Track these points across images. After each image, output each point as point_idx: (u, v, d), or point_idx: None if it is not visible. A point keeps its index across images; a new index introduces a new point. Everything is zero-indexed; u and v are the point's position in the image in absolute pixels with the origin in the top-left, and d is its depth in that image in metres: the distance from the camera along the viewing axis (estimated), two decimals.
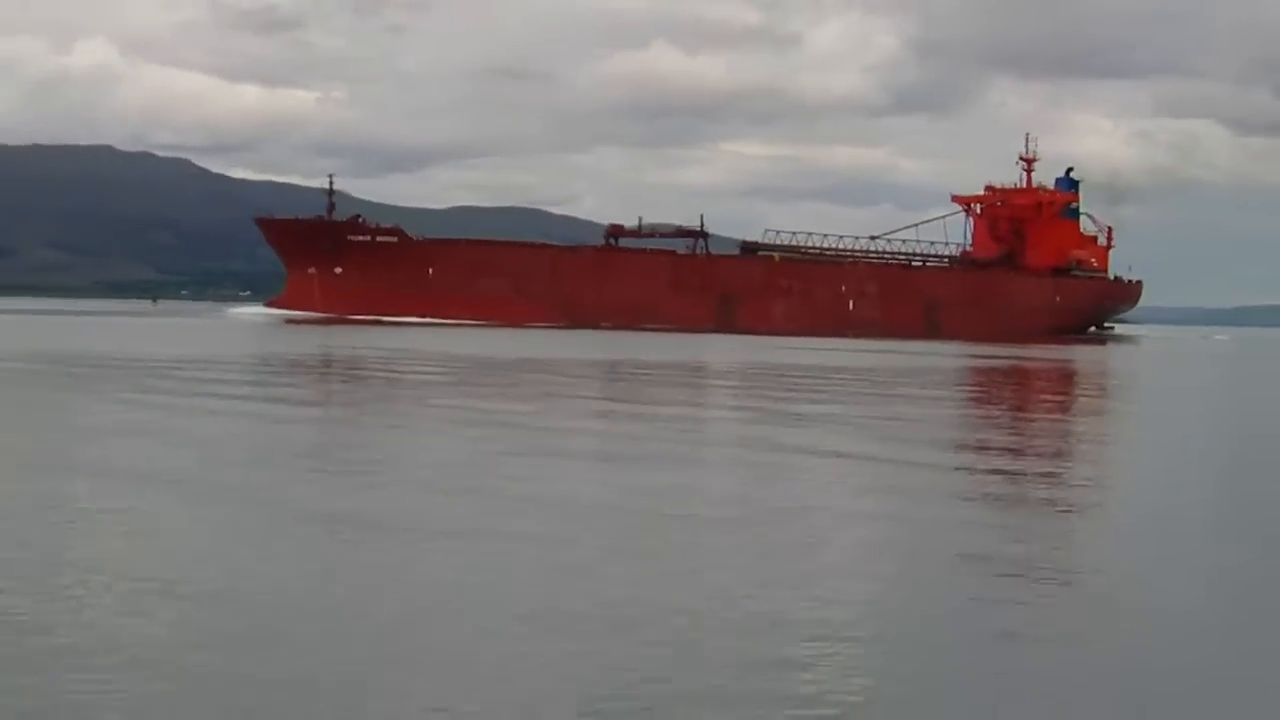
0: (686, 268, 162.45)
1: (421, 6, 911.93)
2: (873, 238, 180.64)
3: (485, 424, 32.93)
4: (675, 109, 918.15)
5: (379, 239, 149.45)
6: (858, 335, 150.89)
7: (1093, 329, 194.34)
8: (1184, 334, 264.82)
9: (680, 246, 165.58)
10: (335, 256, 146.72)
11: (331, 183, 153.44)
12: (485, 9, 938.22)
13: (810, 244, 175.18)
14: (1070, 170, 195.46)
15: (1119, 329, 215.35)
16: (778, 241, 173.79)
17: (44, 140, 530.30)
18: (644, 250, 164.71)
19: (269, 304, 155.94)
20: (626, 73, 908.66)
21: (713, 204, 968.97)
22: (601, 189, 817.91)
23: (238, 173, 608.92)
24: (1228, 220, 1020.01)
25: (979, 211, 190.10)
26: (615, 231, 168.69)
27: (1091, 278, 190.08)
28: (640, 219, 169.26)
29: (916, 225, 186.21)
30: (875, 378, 62.84)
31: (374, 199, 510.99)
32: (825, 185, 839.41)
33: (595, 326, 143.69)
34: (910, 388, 55.82)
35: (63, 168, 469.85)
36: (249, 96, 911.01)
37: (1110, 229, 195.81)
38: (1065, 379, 70.58)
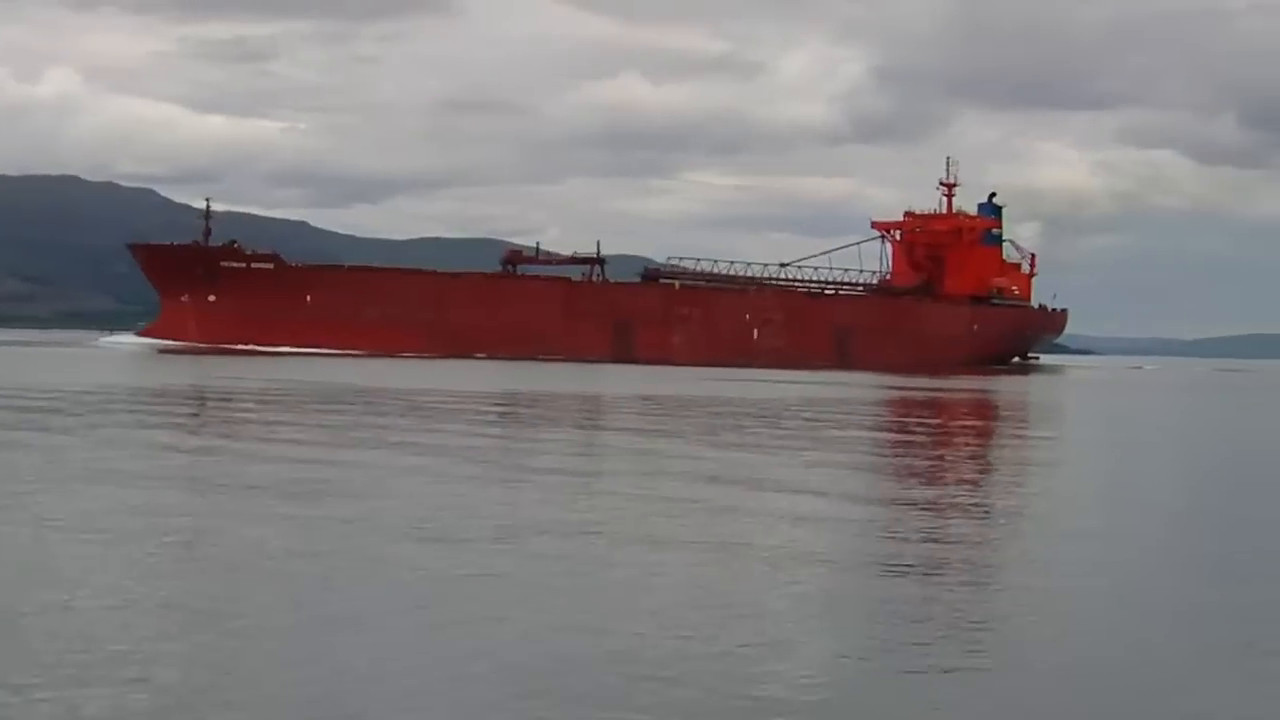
0: (580, 295, 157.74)
1: (391, 38, 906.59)
2: (782, 264, 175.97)
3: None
4: (643, 139, 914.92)
5: (254, 265, 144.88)
6: (762, 365, 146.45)
7: (1016, 359, 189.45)
8: (1112, 364, 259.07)
9: (577, 274, 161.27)
10: (210, 284, 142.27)
11: (209, 206, 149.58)
12: (454, 41, 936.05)
13: (716, 271, 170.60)
14: (993, 195, 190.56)
15: (1050, 359, 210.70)
16: (682, 268, 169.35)
17: (8, 170, 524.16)
18: (536, 277, 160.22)
19: (140, 333, 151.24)
20: (594, 103, 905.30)
21: (681, 234, 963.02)
22: (567, 220, 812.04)
23: (201, 203, 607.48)
24: (1190, 249, 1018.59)
25: (898, 238, 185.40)
26: (513, 258, 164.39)
27: (1013, 306, 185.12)
28: (538, 244, 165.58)
29: (829, 252, 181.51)
30: (772, 411, 57.54)
31: (338, 229, 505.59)
32: (794, 215, 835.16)
33: (481, 356, 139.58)
34: (812, 424, 50.44)
35: (27, 197, 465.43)
36: (215, 127, 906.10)
37: (1034, 256, 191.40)
38: (951, 411, 65.76)
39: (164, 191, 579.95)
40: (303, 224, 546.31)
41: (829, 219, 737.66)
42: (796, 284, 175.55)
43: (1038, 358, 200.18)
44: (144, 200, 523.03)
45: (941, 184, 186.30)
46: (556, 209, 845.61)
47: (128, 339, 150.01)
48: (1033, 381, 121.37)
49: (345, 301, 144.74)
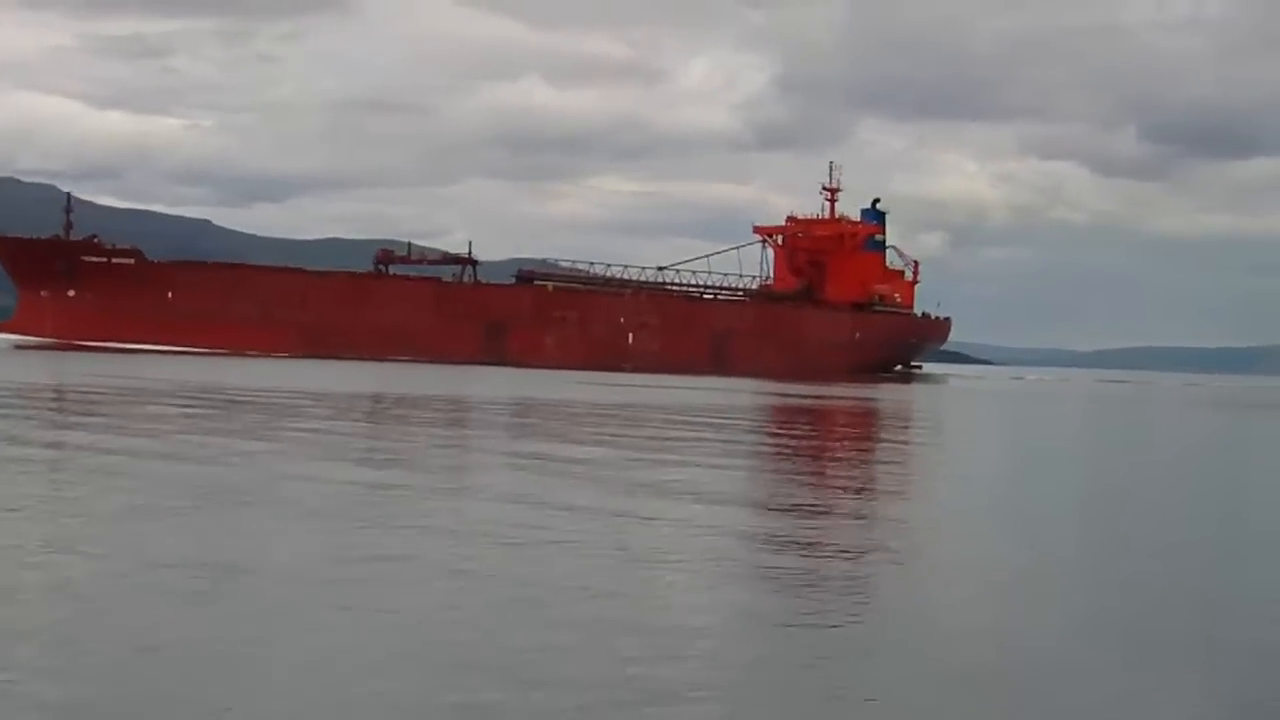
0: (451, 296, 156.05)
1: (291, 36, 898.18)
2: (660, 268, 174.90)
3: None
4: (545, 143, 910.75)
5: (115, 260, 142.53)
6: (636, 369, 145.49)
7: (899, 367, 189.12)
8: (996, 373, 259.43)
9: (448, 274, 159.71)
10: (69, 279, 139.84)
11: (69, 200, 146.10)
12: (356, 40, 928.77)
13: (593, 273, 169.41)
14: (876, 201, 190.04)
15: (941, 368, 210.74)
16: (559, 269, 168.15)
17: None
18: (405, 277, 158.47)
19: None
20: (497, 105, 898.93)
21: (583, 238, 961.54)
22: (471, 222, 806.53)
23: (103, 200, 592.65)
24: (1090, 262, 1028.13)
25: (780, 243, 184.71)
26: (384, 258, 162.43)
27: (895, 313, 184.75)
28: (409, 243, 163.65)
29: (709, 256, 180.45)
30: (637, 415, 56.29)
31: (242, 229, 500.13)
32: (695, 220, 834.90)
33: (349, 356, 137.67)
34: (683, 428, 49.20)
35: None
36: (116, 123, 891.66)
37: (917, 263, 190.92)
38: (824, 418, 64.48)
39: (65, 187, 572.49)
40: (206, 222, 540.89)
41: (730, 225, 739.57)
42: (674, 288, 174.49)
43: (920, 366, 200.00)
44: (44, 195, 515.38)
45: (824, 189, 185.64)
46: (461, 211, 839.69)
47: None
48: (912, 390, 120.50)
49: (208, 299, 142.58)
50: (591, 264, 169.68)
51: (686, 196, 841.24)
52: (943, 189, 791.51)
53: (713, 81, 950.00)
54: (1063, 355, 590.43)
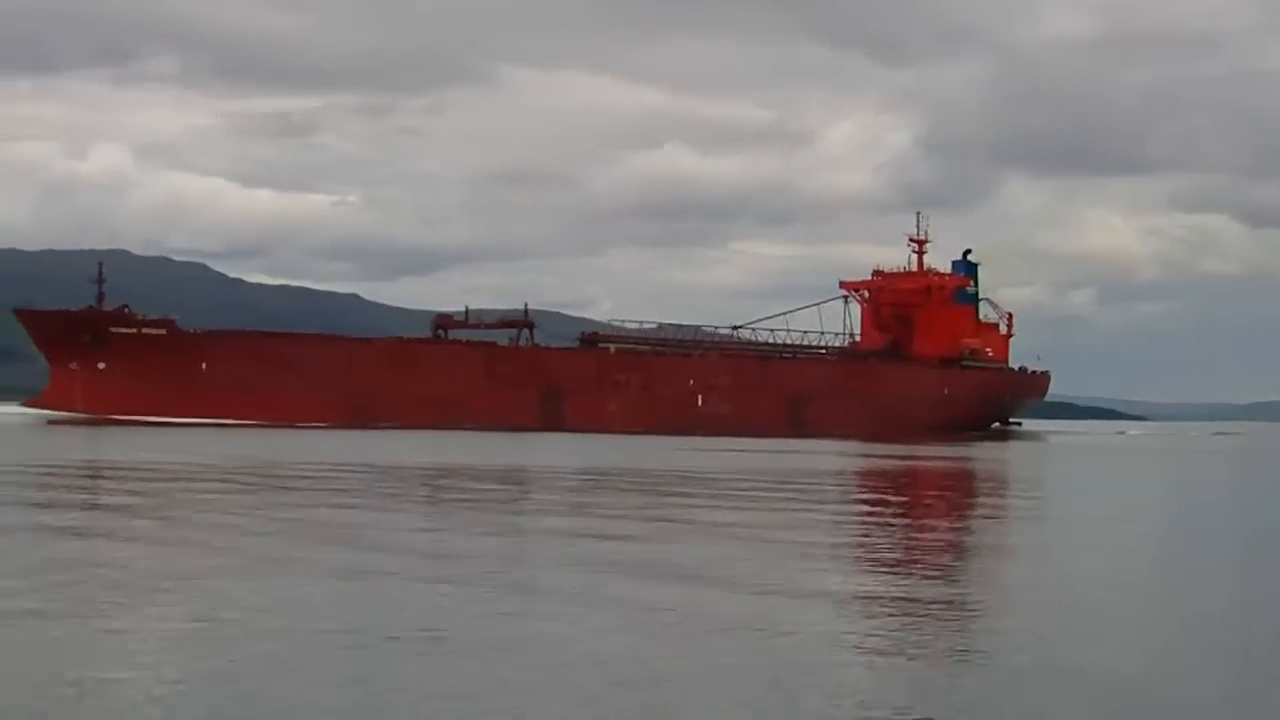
0: (505, 360, 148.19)
1: (433, 110, 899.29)
2: (735, 327, 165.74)
3: None
4: (690, 209, 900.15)
5: (145, 331, 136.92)
6: (706, 432, 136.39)
7: (995, 425, 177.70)
8: (1098, 429, 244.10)
9: (504, 338, 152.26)
10: (100, 351, 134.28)
11: (101, 270, 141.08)
12: (497, 113, 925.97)
13: (662, 335, 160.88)
14: (968, 252, 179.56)
15: (1056, 425, 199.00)
16: (624, 330, 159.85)
17: (58, 245, 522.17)
18: (454, 341, 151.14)
19: (27, 403, 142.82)
20: (641, 174, 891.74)
21: (732, 303, 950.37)
22: (618, 291, 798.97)
23: (254, 277, 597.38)
24: (1244, 313, 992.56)
25: (866, 297, 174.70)
26: (442, 323, 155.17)
27: (987, 368, 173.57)
28: (466, 309, 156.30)
29: (788, 313, 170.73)
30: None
31: (389, 301, 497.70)
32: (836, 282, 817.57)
33: (391, 426, 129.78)
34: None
35: (78, 272, 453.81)
36: (264, 200, 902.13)
37: (1010, 315, 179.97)
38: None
39: (216, 266, 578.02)
40: (354, 296, 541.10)
41: None
42: (748, 347, 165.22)
43: (1020, 423, 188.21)
44: (196, 274, 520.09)
45: (911, 240, 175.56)
46: (607, 280, 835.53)
47: (12, 409, 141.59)
48: (1008, 449, 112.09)
49: (244, 369, 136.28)
50: (661, 325, 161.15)
51: (833, 258, 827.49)
52: (1090, 244, 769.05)
53: (856, 143, 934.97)
54: (1220, 409, 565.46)
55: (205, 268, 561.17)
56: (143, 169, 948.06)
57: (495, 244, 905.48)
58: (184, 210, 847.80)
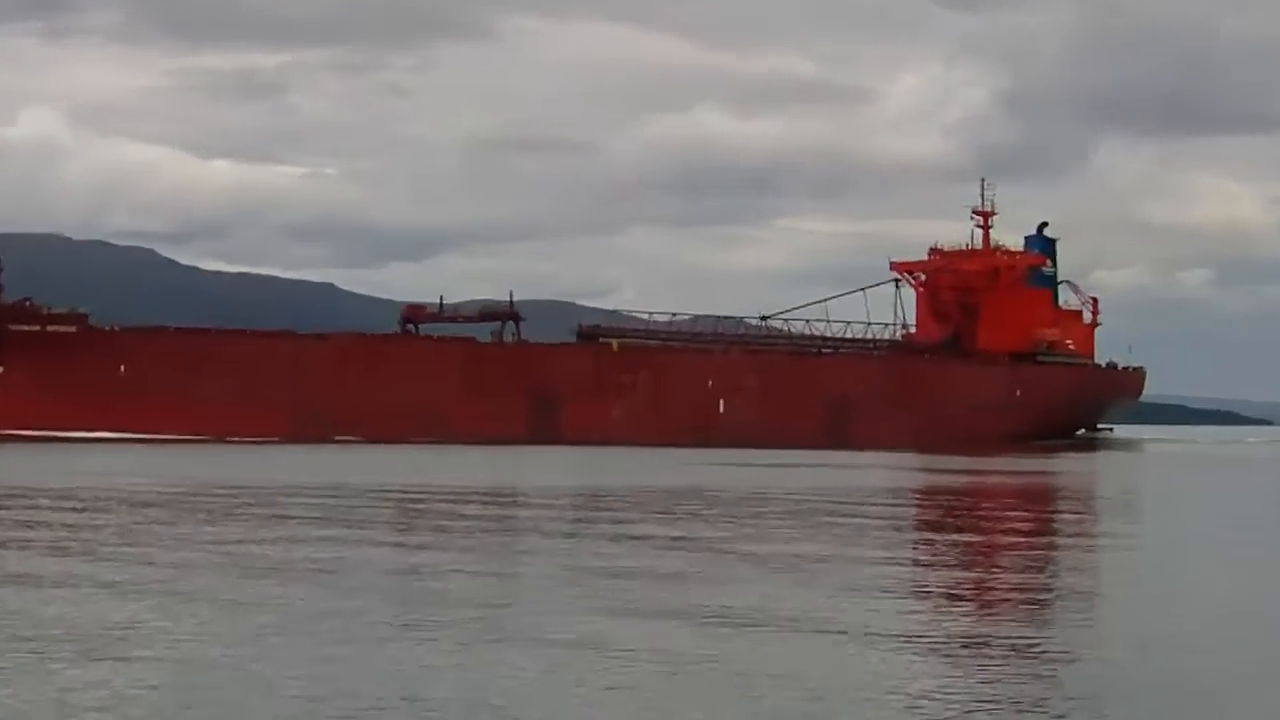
0: (485, 360, 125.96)
1: (423, 67, 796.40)
2: (764, 317, 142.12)
3: None
4: (725, 181, 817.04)
5: (52, 328, 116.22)
6: (729, 444, 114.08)
7: (1081, 431, 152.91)
8: (1212, 435, 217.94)
9: (485, 333, 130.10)
10: None
11: (0, 263, 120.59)
12: (498, 69, 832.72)
13: (674, 327, 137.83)
14: (1044, 226, 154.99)
15: (1151, 433, 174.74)
16: (631, 321, 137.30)
17: None
18: (426, 338, 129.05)
19: None
20: (666, 140, 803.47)
21: (778, 291, 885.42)
22: (643, 276, 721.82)
23: (209, 264, 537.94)
24: None
25: (921, 281, 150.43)
26: (412, 316, 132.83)
27: (1068, 364, 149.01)
28: (441, 298, 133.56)
29: (826, 301, 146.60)
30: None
31: (373, 293, 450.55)
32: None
33: (350, 439, 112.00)
34: None
35: (7, 259, 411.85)
36: (222, 173, 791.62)
37: (1095, 301, 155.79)
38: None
39: (164, 251, 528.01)
40: (330, 286, 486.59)
41: None
42: (780, 341, 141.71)
43: (1110, 428, 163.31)
44: (141, 260, 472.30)
45: (975, 212, 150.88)
46: (629, 264, 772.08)
47: None
48: (1095, 461, 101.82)
49: (172, 373, 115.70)
50: (674, 315, 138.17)
51: (895, 236, 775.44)
52: (1202, 216, 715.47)
53: (922, 101, 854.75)
54: None
55: (152, 253, 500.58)
56: (78, 137, 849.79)
57: (498, 223, 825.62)
58: (127, 185, 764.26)
